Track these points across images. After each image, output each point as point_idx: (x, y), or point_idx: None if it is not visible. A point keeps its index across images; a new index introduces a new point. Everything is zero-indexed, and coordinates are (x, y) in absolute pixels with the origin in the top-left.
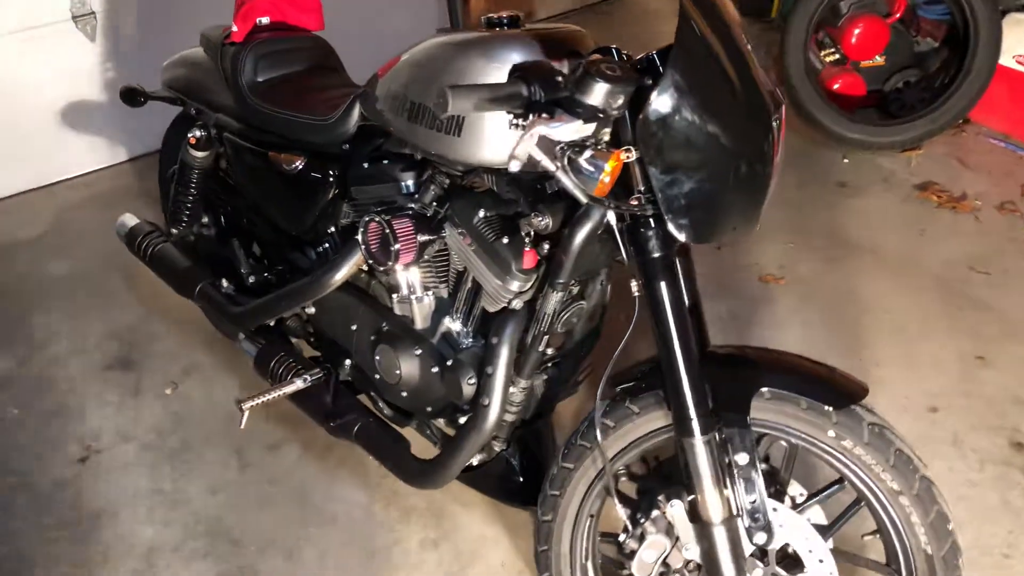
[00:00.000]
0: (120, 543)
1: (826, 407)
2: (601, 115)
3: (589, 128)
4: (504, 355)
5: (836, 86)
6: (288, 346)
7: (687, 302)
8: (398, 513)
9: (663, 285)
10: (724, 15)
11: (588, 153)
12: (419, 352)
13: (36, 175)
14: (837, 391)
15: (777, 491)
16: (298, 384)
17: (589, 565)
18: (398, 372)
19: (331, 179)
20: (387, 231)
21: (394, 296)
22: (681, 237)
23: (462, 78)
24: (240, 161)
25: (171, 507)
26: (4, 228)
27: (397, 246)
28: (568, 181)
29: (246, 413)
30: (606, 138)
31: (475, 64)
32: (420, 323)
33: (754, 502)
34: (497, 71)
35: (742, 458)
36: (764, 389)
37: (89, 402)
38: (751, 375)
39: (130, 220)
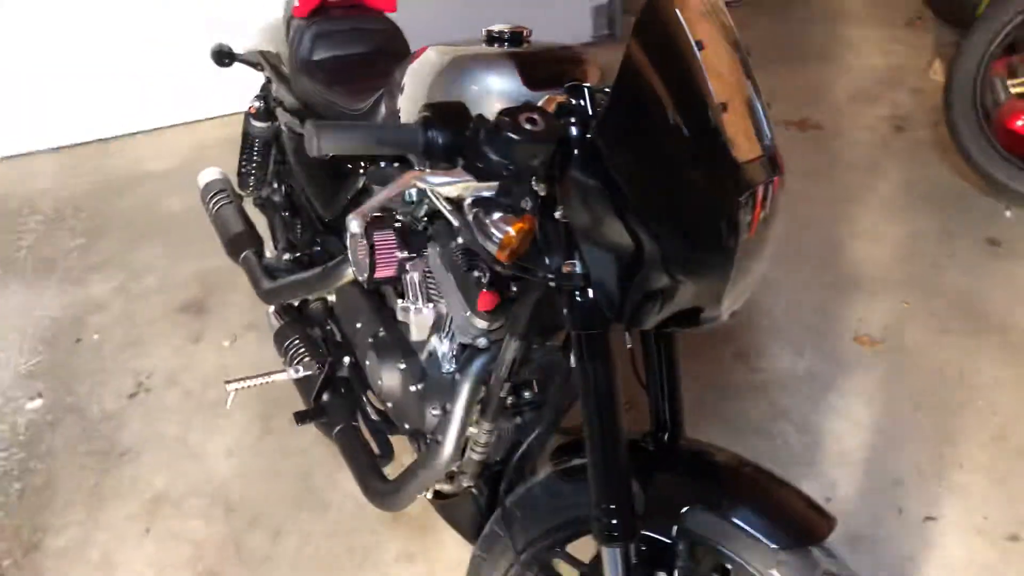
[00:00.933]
0: (133, 485)
1: (771, 544)
2: (509, 172)
3: (491, 186)
4: (464, 393)
5: (1019, 123)
6: (305, 330)
7: (663, 378)
8: (388, 516)
9: (593, 366)
10: (701, 51)
11: (497, 213)
12: (402, 366)
13: (181, 111)
14: (792, 525)
15: None
16: (290, 374)
17: None
18: (380, 382)
19: (360, 171)
20: (366, 242)
21: (399, 302)
22: (609, 315)
23: (428, 98)
24: (288, 137)
25: (188, 460)
26: (140, 159)
27: (371, 259)
28: (476, 240)
29: (231, 394)
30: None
31: (447, 85)
32: (415, 335)
33: None
34: (466, 95)
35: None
36: (699, 507)
37: (156, 340)
38: (696, 486)
39: (209, 175)
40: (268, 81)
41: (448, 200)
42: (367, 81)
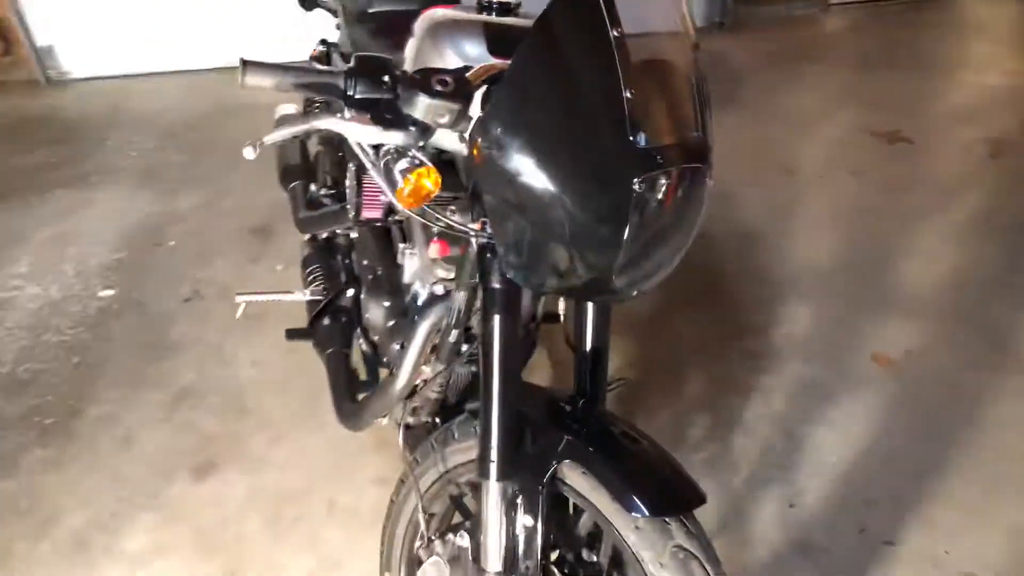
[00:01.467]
0: (167, 377)
1: (630, 510)
2: (415, 127)
3: (397, 137)
4: (419, 335)
5: None
6: (328, 261)
7: (589, 345)
8: (372, 444)
9: (496, 319)
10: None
11: (403, 163)
12: (387, 304)
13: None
14: (656, 496)
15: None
16: (297, 296)
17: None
18: (367, 314)
19: None
20: (356, 183)
21: (400, 244)
22: (510, 276)
23: (416, 56)
24: None
25: (218, 364)
26: (255, 91)
27: (358, 199)
28: (382, 184)
29: (241, 305)
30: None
31: (427, 46)
32: (406, 277)
33: (527, 568)
34: (440, 57)
35: (527, 520)
36: (568, 462)
37: (220, 255)
38: (581, 446)
39: (284, 109)
40: (337, 27)
41: (371, 146)
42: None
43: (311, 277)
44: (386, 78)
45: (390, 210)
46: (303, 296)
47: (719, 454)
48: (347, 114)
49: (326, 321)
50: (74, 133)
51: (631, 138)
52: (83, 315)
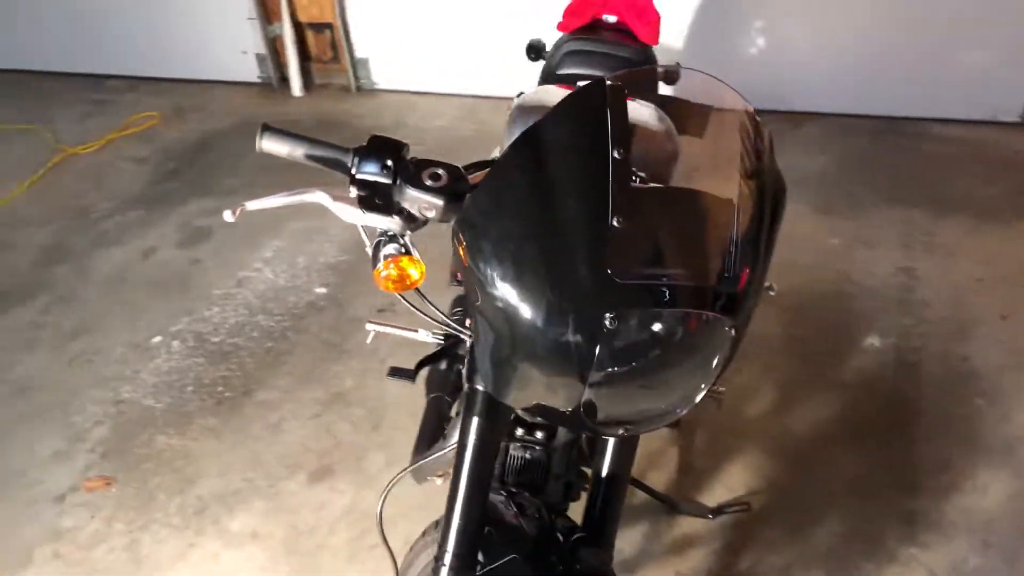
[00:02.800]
0: (330, 378)
1: None
2: (400, 215)
3: (381, 221)
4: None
5: None
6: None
7: (605, 471)
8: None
9: (474, 422)
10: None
11: (391, 247)
12: None
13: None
14: None
15: None
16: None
17: None
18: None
19: None
20: None
21: None
22: (479, 382)
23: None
24: None
25: (376, 378)
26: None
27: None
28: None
29: (371, 334)
30: None
31: (512, 125)
32: None
33: None
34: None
35: None
36: None
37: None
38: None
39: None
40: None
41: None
42: None
43: (444, 319)
44: (389, 162)
45: None
46: (421, 337)
47: None
48: (352, 192)
49: (442, 366)
50: (362, 137)
51: (608, 271)
52: (294, 306)
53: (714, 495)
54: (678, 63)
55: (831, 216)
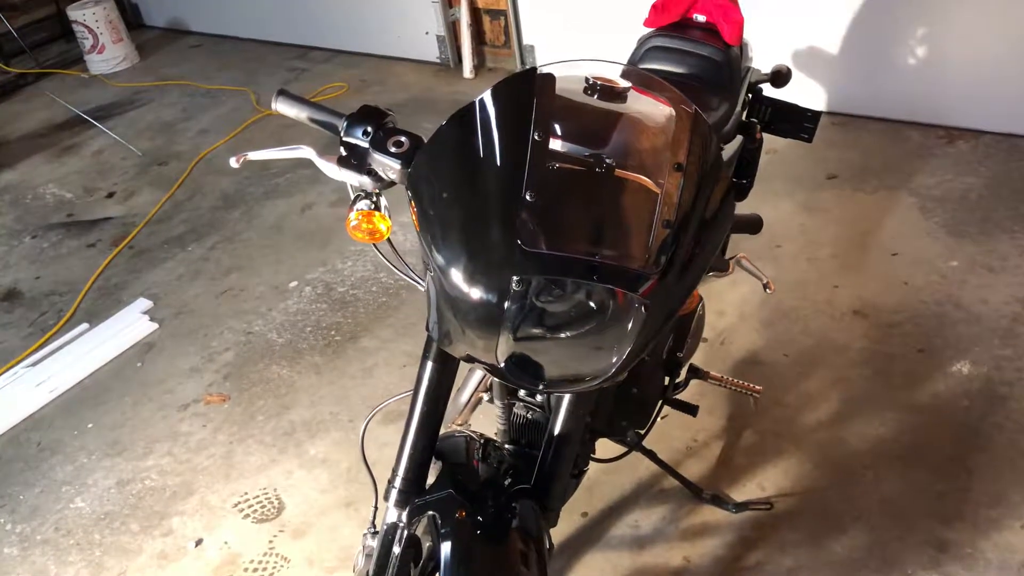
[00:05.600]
0: None
1: None
2: (370, 176)
3: (354, 179)
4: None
5: None
6: None
7: (556, 431)
8: None
9: (428, 365)
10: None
11: (363, 203)
12: None
13: None
14: None
15: None
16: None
17: None
18: None
19: None
20: None
21: None
22: (427, 326)
23: None
24: None
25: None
26: None
27: None
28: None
29: None
30: None
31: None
32: None
33: None
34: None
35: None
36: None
37: None
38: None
39: None
40: None
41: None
42: None
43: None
44: (369, 128)
45: None
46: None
47: None
48: (342, 151)
49: None
50: None
51: (518, 240)
52: (413, 267)
53: (744, 491)
54: (616, 62)
55: (959, 238)
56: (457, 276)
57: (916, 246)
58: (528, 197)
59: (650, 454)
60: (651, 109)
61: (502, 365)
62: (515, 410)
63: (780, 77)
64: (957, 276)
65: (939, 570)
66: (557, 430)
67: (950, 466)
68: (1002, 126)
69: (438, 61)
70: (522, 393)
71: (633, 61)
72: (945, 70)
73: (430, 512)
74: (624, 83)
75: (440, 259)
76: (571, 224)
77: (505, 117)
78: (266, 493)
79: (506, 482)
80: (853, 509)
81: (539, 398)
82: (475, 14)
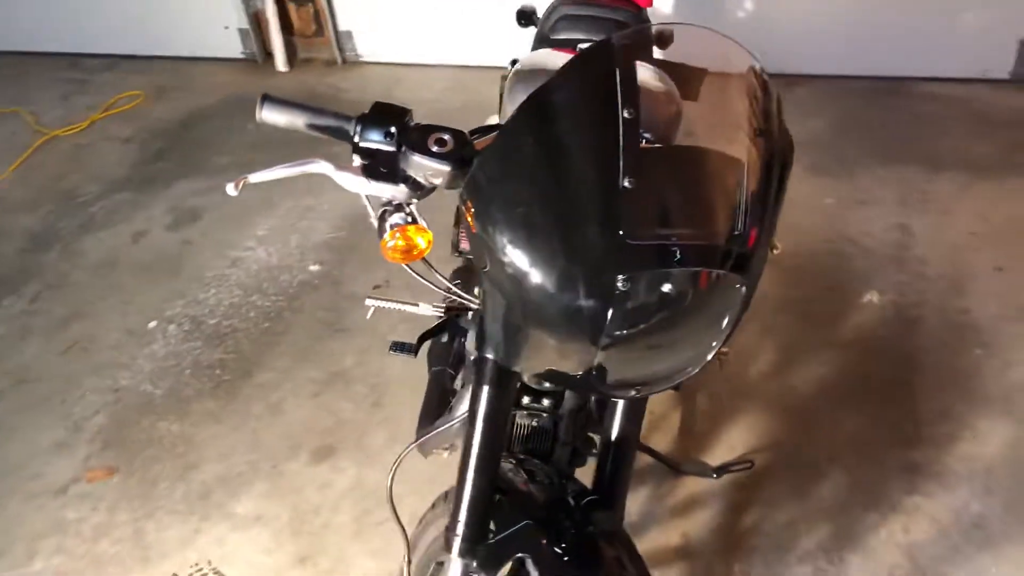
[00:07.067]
0: (328, 356)
1: None
2: (406, 183)
3: (386, 190)
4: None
5: None
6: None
7: (615, 435)
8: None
9: (484, 391)
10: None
11: (397, 217)
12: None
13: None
14: None
15: None
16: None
17: None
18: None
19: None
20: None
21: None
22: (489, 351)
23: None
24: None
25: (377, 355)
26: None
27: (457, 230)
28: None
29: (371, 309)
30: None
31: (513, 90)
32: None
33: None
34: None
35: None
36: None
37: None
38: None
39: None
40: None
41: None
42: None
43: (447, 289)
44: (393, 129)
45: None
46: (422, 310)
47: (825, 572)
48: (356, 160)
49: (444, 339)
50: (349, 110)
51: (620, 232)
52: (288, 285)
53: (717, 455)
54: (679, 21)
55: (825, 177)
56: (545, 283)
57: (793, 191)
58: (627, 184)
59: None
60: (722, 70)
61: (594, 374)
62: (518, 420)
63: (663, 38)
64: (837, 213)
65: (919, 492)
66: (616, 433)
67: (895, 393)
68: (833, 68)
69: (243, 56)
70: (526, 400)
71: (543, 33)
72: (776, 22)
73: (518, 555)
74: (691, 46)
75: (519, 267)
76: (671, 209)
77: (588, 97)
78: (200, 569)
79: (568, 497)
80: (824, 452)
81: (545, 402)
82: (280, 2)
